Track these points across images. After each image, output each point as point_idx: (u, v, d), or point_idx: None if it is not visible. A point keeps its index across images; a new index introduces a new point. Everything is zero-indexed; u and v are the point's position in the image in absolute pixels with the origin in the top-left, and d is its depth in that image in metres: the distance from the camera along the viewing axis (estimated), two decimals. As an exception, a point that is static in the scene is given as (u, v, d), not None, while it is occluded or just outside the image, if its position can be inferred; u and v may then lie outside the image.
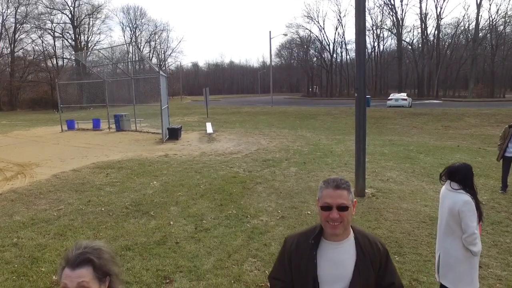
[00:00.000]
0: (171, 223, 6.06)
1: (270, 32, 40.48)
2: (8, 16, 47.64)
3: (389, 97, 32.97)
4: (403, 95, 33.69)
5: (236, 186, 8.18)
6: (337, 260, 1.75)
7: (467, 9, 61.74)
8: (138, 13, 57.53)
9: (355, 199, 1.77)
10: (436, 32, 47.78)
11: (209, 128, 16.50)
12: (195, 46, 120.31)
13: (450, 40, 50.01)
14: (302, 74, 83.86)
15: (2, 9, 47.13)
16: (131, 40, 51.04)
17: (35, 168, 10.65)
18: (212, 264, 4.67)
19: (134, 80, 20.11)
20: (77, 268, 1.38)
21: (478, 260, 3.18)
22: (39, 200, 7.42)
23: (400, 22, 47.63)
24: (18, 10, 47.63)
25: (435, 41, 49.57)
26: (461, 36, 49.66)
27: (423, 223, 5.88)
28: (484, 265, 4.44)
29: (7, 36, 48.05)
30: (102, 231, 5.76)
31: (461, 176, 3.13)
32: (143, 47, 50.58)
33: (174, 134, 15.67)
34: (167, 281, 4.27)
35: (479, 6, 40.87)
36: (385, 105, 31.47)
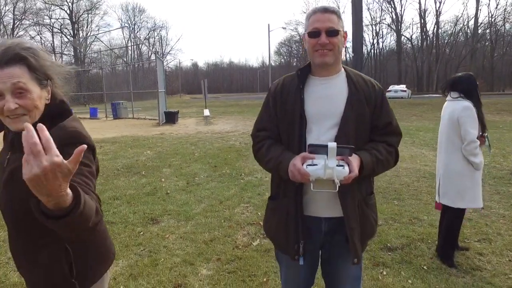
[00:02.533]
0: (163, 179, 5.87)
1: (268, 25, 40.24)
2: (7, 12, 47.54)
3: (388, 89, 32.81)
4: (402, 86, 33.49)
5: (231, 153, 7.99)
6: (327, 95, 1.55)
7: (466, 4, 61.15)
8: (137, 10, 57.40)
9: (346, 30, 1.57)
10: (435, 28, 47.69)
11: (207, 112, 16.31)
12: (194, 47, 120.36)
13: (448, 38, 49.94)
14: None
15: (0, 6, 46.87)
16: (129, 34, 50.68)
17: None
18: (202, 208, 4.48)
19: (131, 67, 19.93)
20: (7, 67, 1.06)
21: (481, 177, 2.96)
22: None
23: (399, 18, 47.53)
24: (17, 7, 47.52)
25: (434, 38, 49.47)
26: (460, 33, 49.59)
27: (423, 178, 5.68)
28: (487, 207, 4.25)
29: (5, 33, 47.88)
30: (90, 186, 5.56)
31: (463, 85, 2.91)
32: (142, 44, 50.35)
33: (171, 118, 15.48)
34: (154, 222, 4.08)
35: (478, 0, 40.81)
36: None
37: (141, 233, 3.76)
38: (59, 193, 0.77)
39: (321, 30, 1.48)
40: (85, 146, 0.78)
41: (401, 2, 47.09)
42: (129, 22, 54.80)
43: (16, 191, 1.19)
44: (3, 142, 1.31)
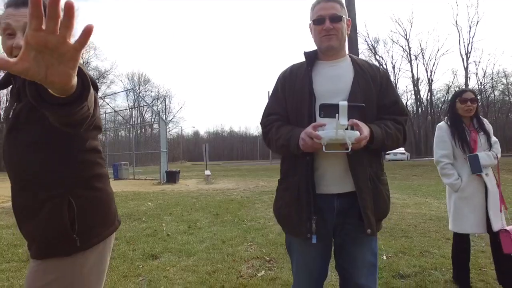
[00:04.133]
0: (164, 224, 5.73)
1: (268, 92, 41.95)
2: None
3: (388, 152, 33.23)
4: (401, 149, 33.92)
5: (233, 204, 7.87)
6: (334, 75, 1.62)
7: (456, 73, 63.96)
8: (142, 80, 59.87)
9: (349, 18, 1.69)
10: (429, 95, 49.69)
11: (208, 172, 16.34)
12: (196, 115, 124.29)
13: (442, 105, 51.71)
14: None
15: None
16: (134, 102, 52.56)
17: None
18: (204, 247, 4.32)
19: (133, 134, 20.38)
20: (23, 7, 1.13)
21: (466, 200, 2.70)
22: (27, 214, 7.09)
23: (394, 85, 49.71)
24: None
25: (428, 105, 51.27)
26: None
27: (429, 220, 5.55)
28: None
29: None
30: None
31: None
32: (145, 112, 51.92)
33: (172, 177, 15.45)
34: (154, 258, 3.91)
35: (466, 69, 43.10)
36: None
37: (141, 266, 3.59)
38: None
39: (325, 17, 1.59)
40: (92, 25, 0.59)
41: (394, 71, 49.17)
42: (134, 90, 57.06)
43: (20, 136, 1.19)
44: (10, 97, 1.33)
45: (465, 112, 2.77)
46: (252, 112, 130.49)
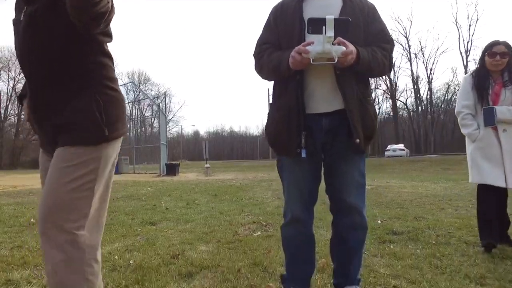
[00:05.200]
0: (163, 203, 5.79)
1: (268, 89, 42.20)
2: (21, 80, 49.79)
3: (387, 148, 33.24)
4: (401, 145, 33.96)
5: (231, 188, 7.95)
6: (324, 5, 1.68)
7: (455, 71, 63.50)
8: (142, 78, 59.69)
9: None
10: (428, 93, 49.72)
11: (207, 165, 16.41)
12: (196, 114, 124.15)
13: (441, 104, 51.76)
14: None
15: (15, 74, 49.27)
16: (134, 100, 52.55)
17: (29, 186, 10.41)
18: (202, 216, 4.38)
19: (134, 133, 20.42)
20: None
21: (481, 150, 2.65)
22: (27, 196, 7.18)
23: (394, 84, 49.72)
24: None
25: (428, 104, 51.30)
26: (452, 99, 51.48)
27: (425, 197, 5.61)
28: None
29: (15, 100, 49.80)
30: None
31: None
32: (146, 110, 51.92)
33: (172, 170, 15.52)
34: (153, 224, 3.97)
35: (466, 67, 43.11)
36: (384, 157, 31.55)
37: (139, 229, 3.65)
38: None
39: None
40: None
41: (394, 69, 49.05)
42: (134, 89, 57.08)
43: (40, 36, 1.24)
44: (15, 7, 1.37)
45: (493, 67, 2.67)
46: (252, 112, 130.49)
